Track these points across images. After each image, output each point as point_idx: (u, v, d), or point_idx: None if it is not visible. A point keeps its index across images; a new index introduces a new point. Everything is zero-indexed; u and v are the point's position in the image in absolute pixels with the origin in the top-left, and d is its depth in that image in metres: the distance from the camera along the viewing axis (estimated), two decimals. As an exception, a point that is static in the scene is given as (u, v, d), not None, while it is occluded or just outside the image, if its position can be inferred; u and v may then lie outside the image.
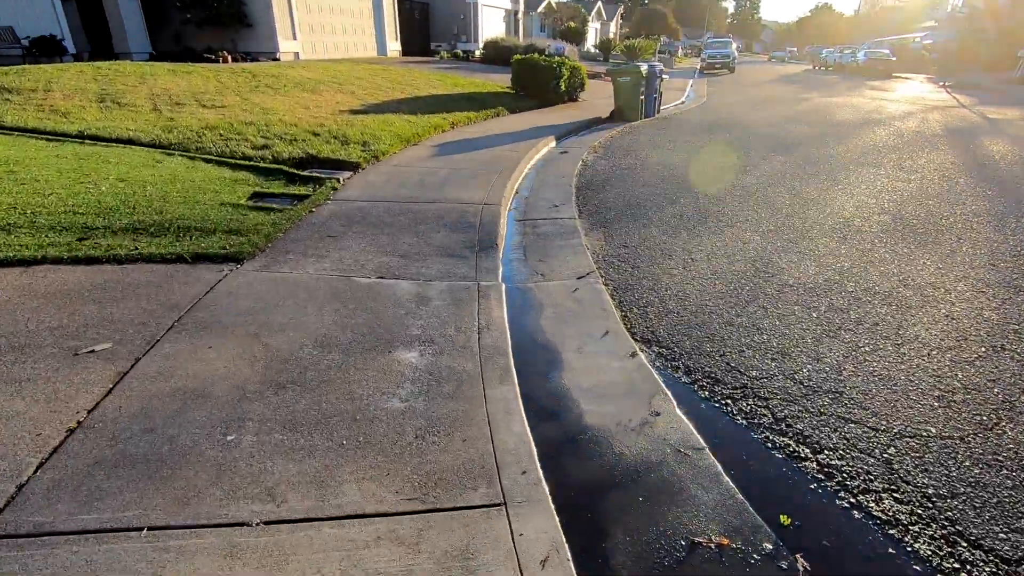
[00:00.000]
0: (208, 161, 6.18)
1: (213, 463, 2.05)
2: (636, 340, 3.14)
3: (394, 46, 22.33)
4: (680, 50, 49.34)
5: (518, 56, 13.40)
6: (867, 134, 10.05)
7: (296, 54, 17.53)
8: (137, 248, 3.76)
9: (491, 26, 28.62)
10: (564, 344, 3.09)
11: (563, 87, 13.39)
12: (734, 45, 34.29)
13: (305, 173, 6.05)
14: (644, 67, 11.94)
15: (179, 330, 2.91)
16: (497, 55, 21.52)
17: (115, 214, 4.29)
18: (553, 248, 4.53)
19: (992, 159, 8.03)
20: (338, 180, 5.88)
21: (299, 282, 3.59)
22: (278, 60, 16.60)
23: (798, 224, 5.06)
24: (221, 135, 7.07)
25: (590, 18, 42.65)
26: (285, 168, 6.12)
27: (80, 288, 3.24)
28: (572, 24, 31.37)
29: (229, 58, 15.30)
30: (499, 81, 15.87)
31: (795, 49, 71.20)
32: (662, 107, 13.43)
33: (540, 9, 39.73)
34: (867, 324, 3.22)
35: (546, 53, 15.67)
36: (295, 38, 17.33)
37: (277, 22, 16.49)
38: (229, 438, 2.19)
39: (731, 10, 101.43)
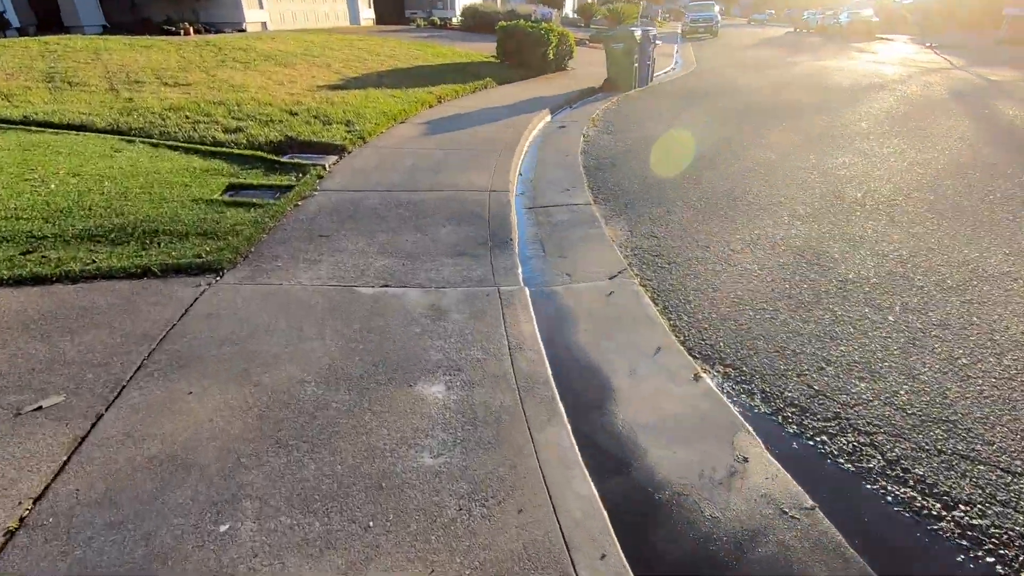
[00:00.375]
0: (174, 148, 5.50)
1: (204, 572, 1.56)
2: (695, 357, 2.69)
3: (367, 14, 21.16)
4: (659, 14, 48.15)
5: (503, 23, 12.61)
6: (874, 100, 9.62)
7: (264, 24, 16.42)
8: (95, 261, 3.17)
9: (468, -9, 27.37)
10: (612, 366, 2.63)
11: (551, 55, 12.67)
12: (716, 8, 33.39)
13: (285, 159, 5.42)
14: (637, 32, 11.29)
15: (150, 370, 2.38)
16: (477, 22, 20.52)
17: (67, 218, 3.67)
18: (573, 241, 4.03)
19: (1013, 124, 7.67)
20: (323, 166, 5.26)
21: (291, 296, 3.05)
22: (244, 31, 15.52)
23: (836, 204, 4.63)
24: (187, 117, 6.35)
25: (568, -19, 41.22)
26: (262, 154, 5.47)
27: (24, 318, 2.67)
28: (551, -12, 30.17)
29: (191, 30, 14.21)
30: (482, 50, 15.04)
31: (773, 12, 70.10)
32: (654, 75, 12.82)
33: (517, -28, 38.25)
34: (954, 328, 2.81)
35: (532, 19, 14.86)
36: (262, 7, 16.19)
37: (242, -10, 15.37)
38: (223, 528, 1.70)
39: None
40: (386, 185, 4.91)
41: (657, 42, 12.52)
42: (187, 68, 9.15)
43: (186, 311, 2.84)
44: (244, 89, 7.91)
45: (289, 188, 4.65)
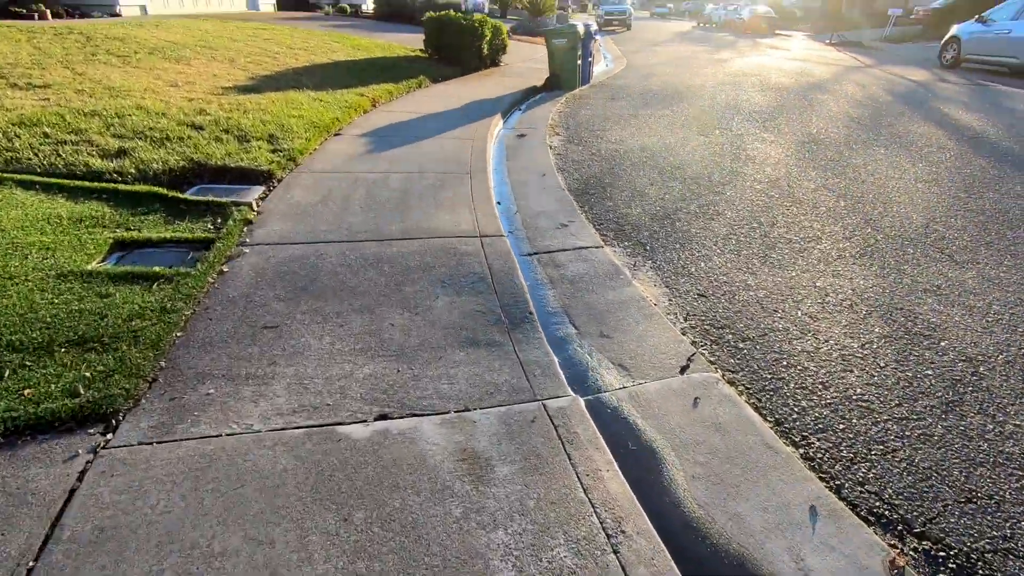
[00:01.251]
0: (28, 186, 3.96)
1: None
2: (868, 522, 1.87)
3: (268, 0, 18.93)
4: (570, 5, 48.05)
5: (431, 14, 11.36)
6: (826, 103, 9.44)
7: (143, 8, 14.03)
8: None
9: (377, -24, 25.45)
10: (764, 553, 1.75)
11: (485, 50, 11.61)
12: (629, 2, 33.63)
13: (193, 195, 4.07)
14: (580, 27, 10.50)
15: None
16: (392, 11, 18.94)
17: None
18: (606, 308, 3.11)
19: (981, 132, 7.64)
20: (249, 205, 3.97)
21: (238, 463, 1.90)
22: (118, 16, 13.13)
23: (887, 239, 4.05)
24: (47, 136, 4.74)
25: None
26: (160, 189, 4.07)
27: None
28: (464, -24, 28.83)
29: (48, 13, 11.72)
30: (403, 42, 13.67)
31: (672, 6, 72.39)
32: (593, 72, 12.12)
33: (425, -42, 36.40)
34: None
35: (463, 9, 13.67)
36: (139, -12, 13.80)
37: (112, -34, 12.93)
38: None
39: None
40: (343, 231, 3.73)
41: (597, 37, 11.82)
42: (44, 64, 7.22)
43: (55, 523, 1.62)
44: (126, 93, 6.24)
45: (206, 244, 3.37)
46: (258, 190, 4.36)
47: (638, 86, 10.97)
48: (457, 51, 11.15)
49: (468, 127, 6.88)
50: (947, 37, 15.04)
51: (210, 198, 3.98)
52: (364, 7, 23.01)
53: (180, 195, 3.98)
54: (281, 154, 4.96)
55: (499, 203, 4.61)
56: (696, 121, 7.80)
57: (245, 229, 3.65)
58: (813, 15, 38.97)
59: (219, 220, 3.69)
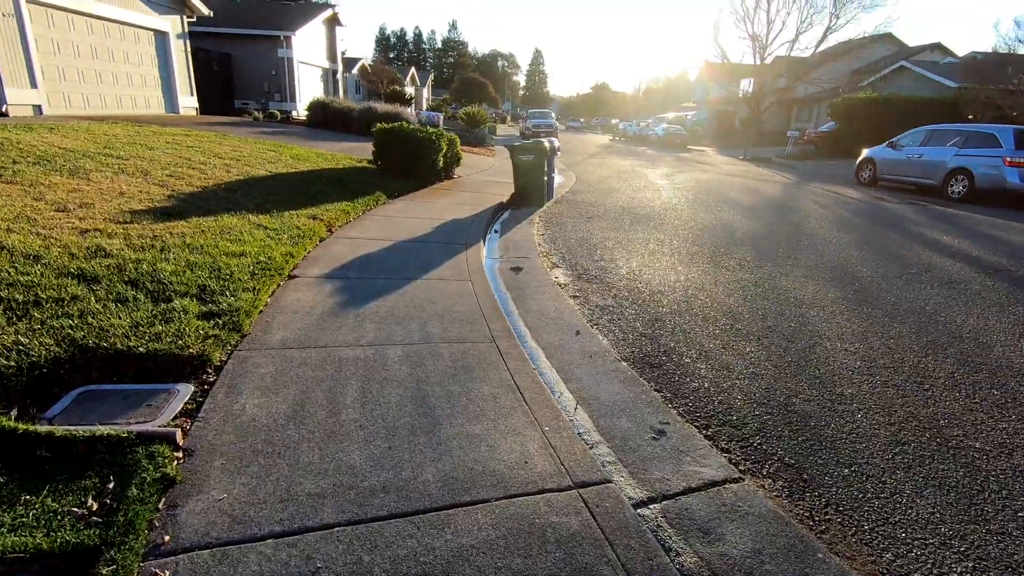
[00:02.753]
0: None
1: None
2: None
3: (189, 102, 17.48)
4: (494, 118, 50.37)
5: (383, 126, 10.40)
6: (809, 225, 9.16)
7: (38, 107, 12.11)
8: None
9: (309, 84, 24.89)
10: None
11: (441, 163, 10.72)
12: (553, 115, 35.46)
13: (63, 429, 2.38)
14: (545, 142, 9.90)
15: None
16: (327, 119, 18.07)
17: None
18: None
19: (971, 254, 7.38)
20: (169, 440, 2.32)
21: None
22: (5, 115, 11.14)
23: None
24: None
25: (406, 82, 41.07)
26: (5, 407, 2.35)
27: None
28: (396, 88, 29.09)
29: (-92, 111, 9.58)
30: (348, 151, 12.60)
31: (583, 120, 78.46)
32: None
33: (355, 70, 36.94)
34: None
35: (419, 121, 12.93)
36: (34, 84, 11.94)
37: (1, 64, 11.07)
38: None
39: (522, 83, 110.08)
40: (342, 493, 2.16)
41: (559, 152, 11.34)
42: None
43: None
44: (-15, 222, 4.44)
45: (82, 561, 1.69)
46: (183, 394, 2.72)
47: (604, 203, 10.37)
48: (412, 164, 10.14)
49: (454, 260, 5.61)
50: (861, 159, 16.19)
51: (96, 429, 2.29)
52: (295, 113, 22.12)
53: (33, 429, 2.26)
54: (220, 320, 3.36)
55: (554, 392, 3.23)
56: (696, 248, 7.02)
57: (161, 508, 2.00)
58: (711, 133, 43.06)
59: (108, 485, 2.02)
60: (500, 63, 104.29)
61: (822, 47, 34.52)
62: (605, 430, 2.88)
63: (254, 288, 3.95)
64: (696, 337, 4.19)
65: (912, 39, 40.96)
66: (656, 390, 3.36)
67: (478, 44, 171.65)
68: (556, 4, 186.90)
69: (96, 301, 3.35)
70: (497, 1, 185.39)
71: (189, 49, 17.41)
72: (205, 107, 19.06)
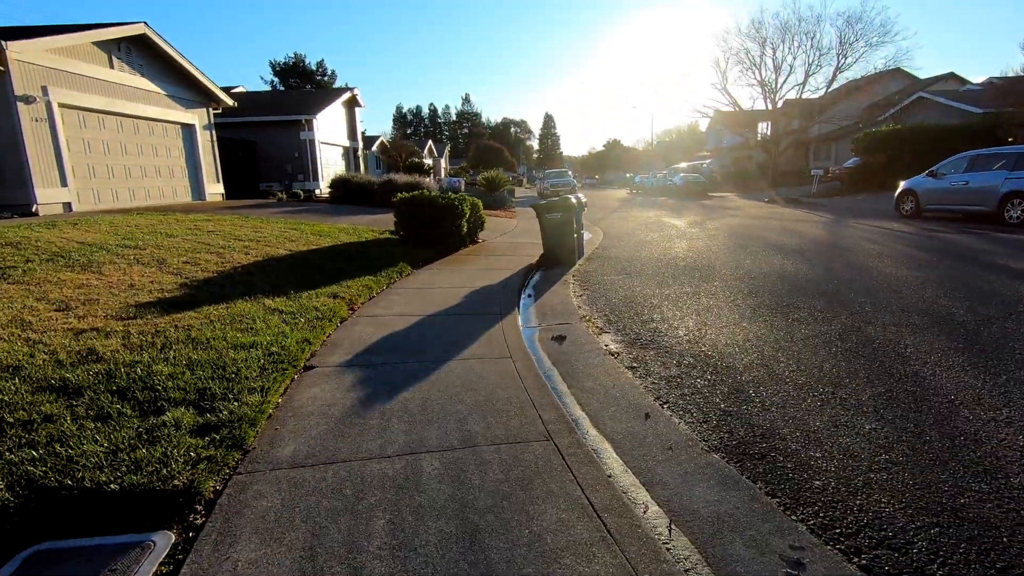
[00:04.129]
0: None
1: None
2: None
3: (215, 189, 17.82)
4: (511, 179, 51.19)
5: (403, 195, 10.14)
6: (876, 267, 8.37)
7: (67, 205, 12.27)
8: None
9: (330, 163, 25.53)
10: None
11: (464, 228, 10.33)
12: (571, 174, 35.70)
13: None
14: (572, 199, 9.46)
15: None
16: (348, 193, 18.20)
17: None
18: None
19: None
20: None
21: None
22: (34, 215, 11.24)
23: None
24: None
25: (424, 154, 42.21)
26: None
27: None
28: (415, 160, 29.72)
29: (-62, 217, 9.67)
30: (370, 224, 12.38)
31: (598, 177, 79.29)
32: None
33: (375, 147, 38.14)
34: None
35: (441, 188, 12.73)
36: (64, 183, 12.15)
37: (33, 164, 11.31)
38: None
39: (536, 147, 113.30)
40: None
41: (585, 208, 10.89)
42: None
43: None
44: (-27, 330, 4.01)
45: None
46: (159, 548, 2.07)
47: (640, 257, 9.76)
48: (435, 232, 9.76)
49: (489, 333, 4.98)
50: (901, 191, 15.41)
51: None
52: (318, 192, 22.49)
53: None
54: (217, 435, 2.75)
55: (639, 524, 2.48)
56: (755, 299, 6.28)
57: None
58: (729, 179, 42.75)
59: None
60: (513, 130, 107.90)
61: (833, 86, 34.58)
62: (719, 564, 2.11)
63: (262, 388, 3.36)
64: (795, 413, 3.40)
65: (922, 72, 40.77)
66: (769, 494, 2.58)
67: (491, 114, 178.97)
68: (563, 71, 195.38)
69: (72, 420, 2.78)
70: (507, 73, 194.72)
71: (215, 139, 17.94)
72: (231, 192, 19.44)
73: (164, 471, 2.42)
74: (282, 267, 7.17)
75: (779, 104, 37.65)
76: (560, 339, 5.11)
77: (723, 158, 50.06)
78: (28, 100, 11.35)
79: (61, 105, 12.14)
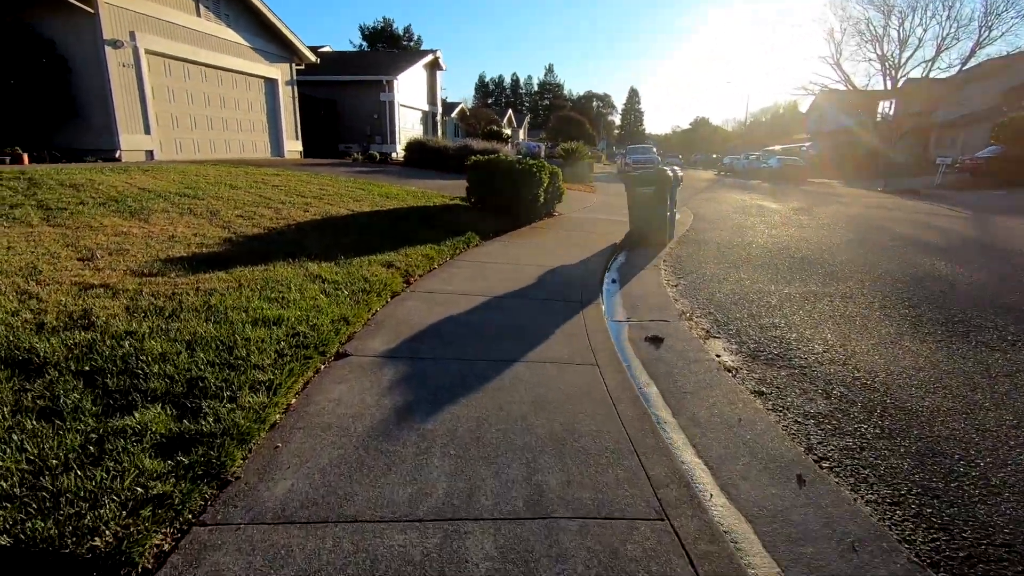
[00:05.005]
0: None
1: None
2: None
3: (294, 146, 17.66)
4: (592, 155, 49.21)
5: (477, 158, 9.19)
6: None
7: (150, 153, 12.28)
8: None
9: (408, 127, 25.01)
10: None
11: (542, 199, 9.25)
12: (655, 150, 33.44)
13: None
14: (668, 170, 8.14)
15: None
16: (423, 158, 17.51)
17: None
18: None
19: None
20: None
21: None
22: (117, 160, 11.26)
23: None
24: None
25: (503, 123, 41.11)
26: None
27: None
28: (494, 128, 28.73)
29: (25, 157, 9.74)
30: (440, 189, 11.57)
31: (681, 157, 75.04)
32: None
33: (454, 114, 37.45)
34: None
35: (519, 153, 11.72)
36: (148, 131, 12.13)
37: (118, 110, 11.29)
38: None
39: (617, 122, 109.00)
40: None
41: (681, 184, 9.51)
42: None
43: None
44: (-25, 276, 3.46)
45: None
46: None
47: (741, 243, 8.33)
48: (509, 200, 8.76)
49: (567, 326, 3.96)
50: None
51: None
52: (394, 155, 22.04)
53: None
54: (187, 459, 1.92)
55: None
56: (911, 310, 4.86)
57: None
58: (830, 165, 38.70)
59: None
60: (595, 103, 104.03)
61: (969, 64, 30.07)
62: None
63: (270, 384, 2.52)
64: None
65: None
66: None
67: (573, 86, 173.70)
68: (651, 44, 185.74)
69: (3, 419, 2.04)
70: (593, 45, 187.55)
71: (296, 95, 17.69)
72: (309, 151, 19.30)
73: (87, 518, 1.61)
74: (339, 228, 6.43)
75: (899, 84, 33.39)
76: (656, 341, 4.01)
77: (824, 142, 45.50)
78: (116, 45, 11.27)
79: (148, 52, 12.04)
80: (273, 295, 3.69)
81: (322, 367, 2.98)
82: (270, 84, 16.47)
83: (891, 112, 34.21)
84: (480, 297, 4.57)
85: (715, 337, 4.17)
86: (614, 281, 5.95)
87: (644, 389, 3.18)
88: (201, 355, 2.68)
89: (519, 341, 3.60)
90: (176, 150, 13.18)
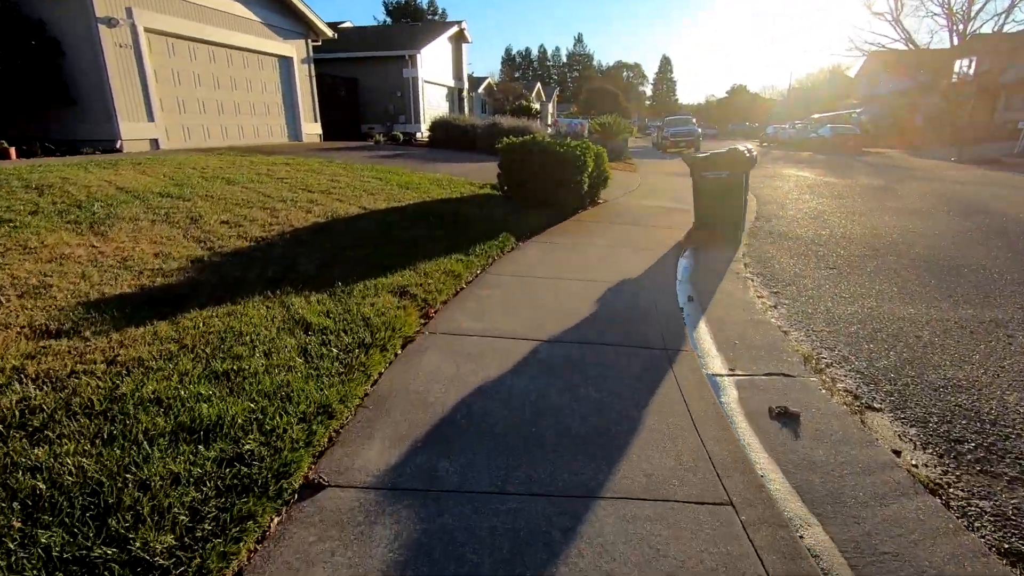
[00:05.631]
0: None
1: None
2: None
3: (312, 129, 16.49)
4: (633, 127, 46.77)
5: (511, 141, 7.79)
6: None
7: (155, 142, 11.26)
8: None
9: (434, 104, 23.54)
10: None
11: (586, 185, 7.83)
12: (695, 121, 31.10)
13: None
14: (742, 149, 6.62)
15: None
16: (449, 137, 16.16)
17: None
18: None
19: None
20: None
21: None
22: (118, 151, 10.25)
23: None
24: None
25: (532, 98, 39.14)
26: None
27: None
28: (523, 103, 26.99)
29: (12, 151, 8.77)
30: (468, 174, 10.24)
31: (716, 128, 71.19)
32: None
33: (481, 89, 35.72)
34: None
35: (558, 132, 10.27)
36: (151, 118, 11.08)
37: (116, 95, 10.23)
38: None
39: (648, 93, 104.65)
40: None
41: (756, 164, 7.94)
42: None
43: None
44: None
45: None
46: None
47: (826, 235, 6.80)
48: (549, 190, 7.38)
49: (659, 407, 2.64)
50: None
51: None
52: (419, 135, 20.71)
53: None
54: None
55: None
56: None
57: None
58: (889, 132, 35.62)
59: None
60: (625, 74, 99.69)
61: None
62: None
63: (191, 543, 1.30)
64: None
65: None
66: None
67: (603, 56, 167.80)
68: (685, 9, 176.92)
69: None
70: (623, 11, 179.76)
71: (313, 74, 16.43)
72: (330, 133, 18.12)
73: None
74: (346, 234, 5.20)
75: (963, 39, 30.11)
76: (788, 419, 2.66)
77: (877, 107, 42.01)
78: (111, 23, 10.16)
79: (147, 30, 10.91)
80: (225, 365, 2.48)
81: (273, 524, 1.75)
82: (285, 63, 15.24)
83: (971, 71, 30.91)
84: (525, 343, 3.27)
85: (874, 409, 2.80)
86: (691, 299, 4.57)
87: (827, 562, 1.85)
88: (43, 538, 1.47)
89: (594, 444, 2.31)
90: (184, 137, 12.13)
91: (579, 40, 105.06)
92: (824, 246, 6.33)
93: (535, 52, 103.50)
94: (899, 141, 31.39)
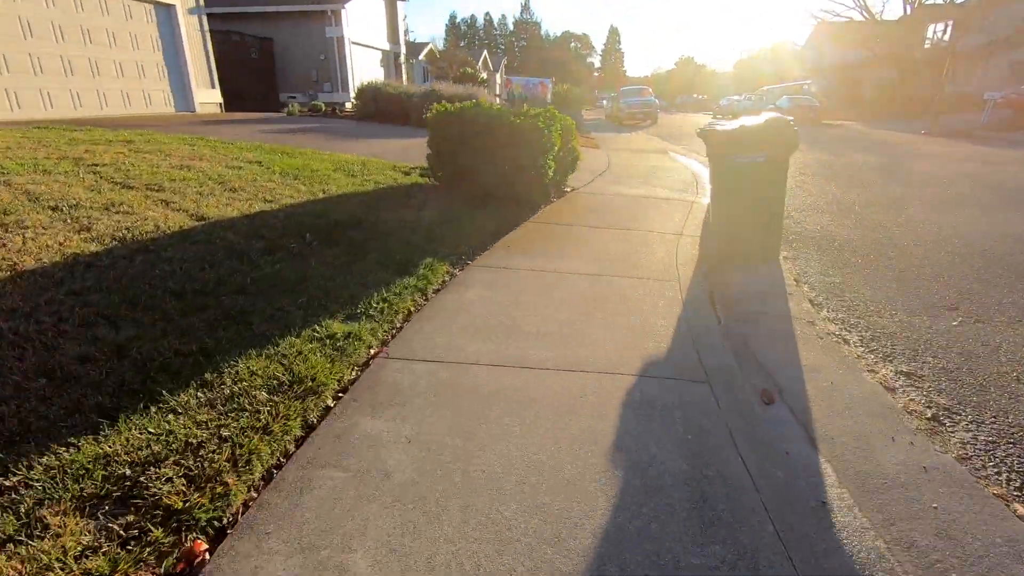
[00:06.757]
0: None
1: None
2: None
3: (209, 97, 13.32)
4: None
5: (443, 106, 5.35)
6: None
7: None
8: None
9: (366, 70, 20.38)
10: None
11: (551, 171, 5.51)
12: (651, 91, 29.00)
13: None
14: (787, 121, 4.44)
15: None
16: (379, 108, 13.43)
17: None
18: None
19: None
20: None
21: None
22: None
23: None
24: None
25: (478, 66, 36.01)
26: None
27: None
28: (468, 70, 24.10)
29: None
30: (394, 153, 7.73)
31: (696, 96, 68.85)
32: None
33: (422, 56, 32.34)
34: None
35: (511, 98, 6.78)
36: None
37: None
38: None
39: (596, 64, 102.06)
40: None
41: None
42: None
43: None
44: None
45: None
46: None
47: (886, 242, 4.81)
48: (500, 176, 5.04)
49: None
50: None
51: None
52: (348, 105, 17.70)
53: None
54: None
55: None
56: None
57: None
58: (840, 104, 34.83)
59: None
60: (573, 44, 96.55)
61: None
62: None
63: None
64: None
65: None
66: None
67: (550, 26, 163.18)
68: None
69: None
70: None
71: (206, 29, 13.16)
72: (238, 103, 14.94)
73: None
74: (133, 293, 2.72)
75: (916, 7, 29.29)
76: None
77: (827, 79, 41.22)
78: None
79: (-68, -47, 7.68)
80: None
81: None
82: (164, 12, 11.95)
83: (945, 37, 29.99)
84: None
85: None
86: (768, 403, 2.40)
87: None
88: None
89: None
90: (10, 107, 8.95)
91: (526, 7, 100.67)
92: (901, 258, 4.31)
93: (480, 20, 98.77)
94: (854, 113, 30.51)
